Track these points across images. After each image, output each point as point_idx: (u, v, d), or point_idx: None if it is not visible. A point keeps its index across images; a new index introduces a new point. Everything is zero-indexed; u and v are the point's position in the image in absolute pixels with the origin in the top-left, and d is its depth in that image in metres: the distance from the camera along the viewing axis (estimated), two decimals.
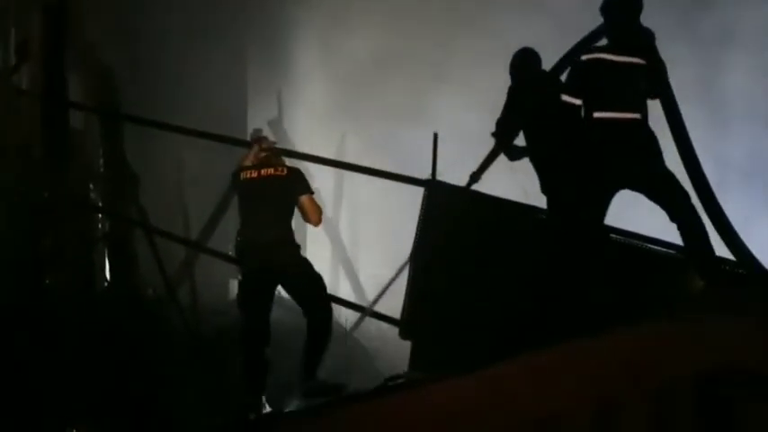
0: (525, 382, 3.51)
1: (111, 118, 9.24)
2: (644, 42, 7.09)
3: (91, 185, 9.40)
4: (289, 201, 7.79)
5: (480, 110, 9.56)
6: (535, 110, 8.02)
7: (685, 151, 7.33)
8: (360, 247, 16.78)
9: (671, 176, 6.96)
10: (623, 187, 7.03)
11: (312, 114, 15.60)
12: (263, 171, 7.85)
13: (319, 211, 7.94)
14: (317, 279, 7.75)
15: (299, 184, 7.78)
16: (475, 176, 8.51)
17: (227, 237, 10.11)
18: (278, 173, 7.81)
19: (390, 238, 12.53)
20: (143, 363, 8.21)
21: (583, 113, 7.17)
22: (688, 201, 6.97)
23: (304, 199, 7.74)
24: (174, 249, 10.39)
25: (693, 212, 7.00)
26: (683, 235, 6.97)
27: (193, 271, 10.22)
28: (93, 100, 9.28)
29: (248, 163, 8.05)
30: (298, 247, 7.79)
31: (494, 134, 8.30)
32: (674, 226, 7.24)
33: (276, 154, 8.23)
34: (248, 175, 7.82)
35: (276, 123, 15.39)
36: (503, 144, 8.28)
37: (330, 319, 7.70)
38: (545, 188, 7.96)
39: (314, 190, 7.94)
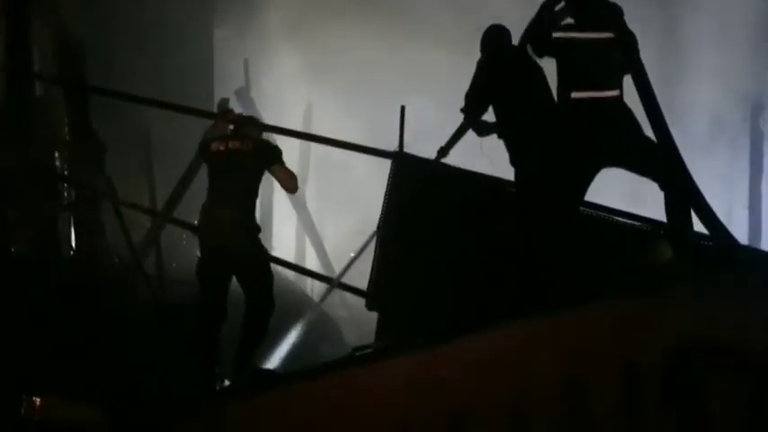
0: (495, 356, 3.58)
1: (76, 89, 9.19)
2: (610, 16, 7.05)
3: (56, 154, 9.34)
4: (254, 176, 7.78)
5: (451, 81, 9.60)
6: (507, 82, 8.03)
7: (657, 125, 7.21)
8: (326, 216, 16.84)
9: (656, 147, 7.01)
10: (607, 166, 7.06)
11: (280, 83, 15.53)
12: (230, 144, 7.81)
13: (293, 177, 7.90)
14: (267, 272, 7.76)
15: (268, 156, 7.74)
16: (443, 151, 8.54)
17: (194, 206, 10.09)
18: (244, 147, 7.76)
19: (358, 207, 12.59)
20: (107, 331, 8.22)
21: (559, 95, 7.14)
22: (678, 170, 7.01)
23: (275, 168, 7.72)
24: (141, 218, 10.38)
25: (684, 183, 7.01)
26: (668, 205, 7.00)
27: (159, 240, 10.21)
28: (58, 69, 9.22)
29: (216, 134, 8.00)
30: (257, 229, 7.80)
31: (463, 109, 8.30)
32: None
33: (249, 125, 8.17)
34: (215, 148, 7.80)
35: (243, 92, 15.39)
36: (472, 119, 8.31)
37: (270, 314, 7.70)
38: (514, 161, 8.00)
39: (284, 159, 7.84)
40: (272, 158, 7.74)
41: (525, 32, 7.98)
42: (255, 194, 7.78)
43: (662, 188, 6.92)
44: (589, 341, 3.79)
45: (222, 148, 7.79)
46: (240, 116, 8.44)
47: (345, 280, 9.76)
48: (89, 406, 6.88)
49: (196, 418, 3.51)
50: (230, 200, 7.68)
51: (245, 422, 3.48)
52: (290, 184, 7.87)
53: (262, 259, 7.81)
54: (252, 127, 8.10)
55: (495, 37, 8.27)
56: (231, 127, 8.25)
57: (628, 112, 7.02)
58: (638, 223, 7.96)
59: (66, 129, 9.35)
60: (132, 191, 10.47)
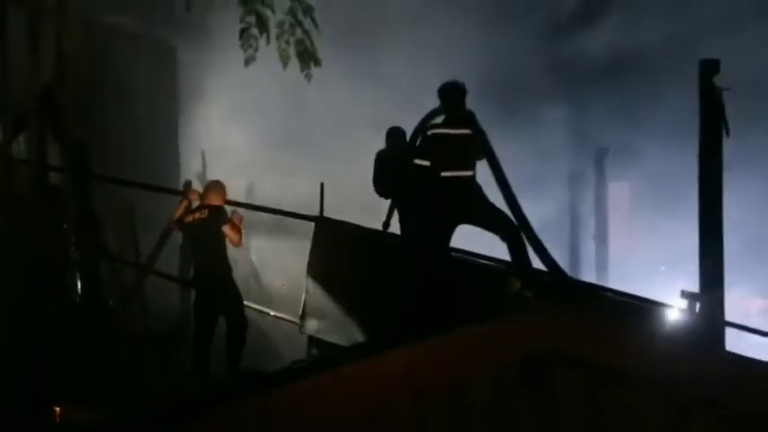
0: (394, 371, 3.82)
1: (81, 177, 9.82)
2: (468, 118, 8.06)
3: (65, 225, 10.04)
4: (219, 234, 8.78)
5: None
6: (396, 170, 9.11)
7: (508, 196, 8.39)
8: (265, 266, 17.62)
9: (498, 210, 7.97)
10: (464, 223, 7.92)
11: (229, 167, 16.18)
12: (195, 215, 8.91)
13: (238, 233, 8.72)
14: (240, 300, 9.00)
15: (219, 218, 8.75)
16: (385, 225, 9.62)
17: (169, 262, 11.24)
18: (202, 215, 8.82)
19: (290, 260, 13.42)
20: (108, 353, 8.87)
21: (432, 173, 7.88)
22: (513, 226, 7.96)
23: (224, 228, 8.72)
24: (129, 272, 11.33)
25: (517, 235, 7.93)
26: (510, 251, 7.87)
27: (144, 287, 11.15)
28: (66, 162, 9.85)
29: (181, 212, 9.11)
30: (230, 270, 8.87)
31: (378, 194, 9.46)
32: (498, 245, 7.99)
33: (213, 188, 9.00)
34: (188, 220, 8.99)
35: (201, 176, 16.57)
36: (388, 198, 9.47)
37: (246, 328, 8.86)
38: (401, 221, 9.28)
39: (229, 218, 8.71)
40: (222, 220, 8.75)
41: (413, 133, 9.08)
42: (223, 245, 8.80)
43: (503, 240, 7.86)
44: (470, 352, 4.02)
45: (191, 219, 8.97)
46: (206, 184, 9.42)
47: (284, 313, 10.73)
48: (93, 410, 7.42)
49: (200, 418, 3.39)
50: (206, 255, 8.84)
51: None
52: (236, 239, 8.72)
53: (234, 293, 8.95)
54: (216, 189, 9.03)
55: (388, 134, 9.56)
56: (196, 202, 9.16)
57: (478, 188, 7.99)
58: (494, 263, 8.89)
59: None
60: (123, 250, 11.59)
